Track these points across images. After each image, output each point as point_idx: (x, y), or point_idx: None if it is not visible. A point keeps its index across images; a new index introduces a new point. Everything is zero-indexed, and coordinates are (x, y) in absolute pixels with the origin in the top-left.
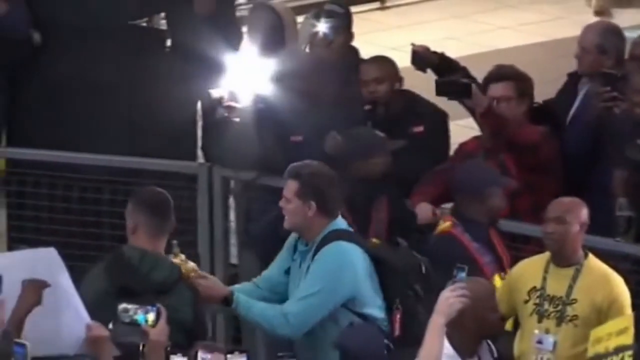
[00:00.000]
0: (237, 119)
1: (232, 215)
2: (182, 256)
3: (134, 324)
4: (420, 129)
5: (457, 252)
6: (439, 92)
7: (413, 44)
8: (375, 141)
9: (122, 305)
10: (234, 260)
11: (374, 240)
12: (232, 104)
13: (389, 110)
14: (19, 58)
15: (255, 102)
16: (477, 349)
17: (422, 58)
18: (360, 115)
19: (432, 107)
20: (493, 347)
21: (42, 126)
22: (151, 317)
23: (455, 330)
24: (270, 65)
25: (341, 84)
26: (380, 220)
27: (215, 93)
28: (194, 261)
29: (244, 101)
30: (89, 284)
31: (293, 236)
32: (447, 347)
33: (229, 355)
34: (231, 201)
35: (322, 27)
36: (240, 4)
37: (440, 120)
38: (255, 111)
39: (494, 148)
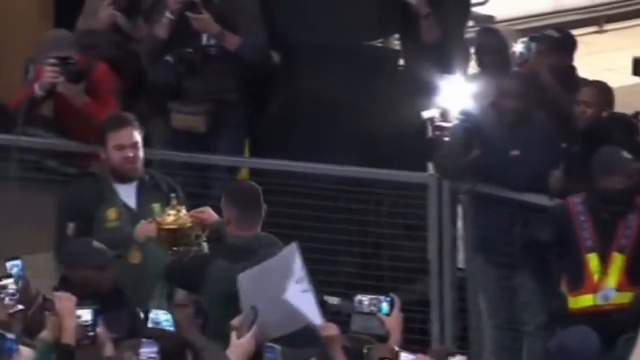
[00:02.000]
0: (447, 139)
1: (459, 223)
2: (182, 210)
3: (371, 314)
4: None
5: None
6: None
7: (635, 57)
8: (619, 160)
9: (358, 297)
10: (461, 264)
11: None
12: (443, 124)
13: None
14: (259, 77)
15: (462, 121)
16: None
17: None
18: (573, 131)
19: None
20: None
21: (283, 138)
22: (386, 306)
23: None
24: (488, 86)
25: (554, 101)
26: (627, 236)
27: (427, 114)
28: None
29: (454, 120)
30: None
31: None
32: None
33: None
34: (459, 209)
35: (519, 47)
36: (468, 26)
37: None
38: (463, 129)
39: None
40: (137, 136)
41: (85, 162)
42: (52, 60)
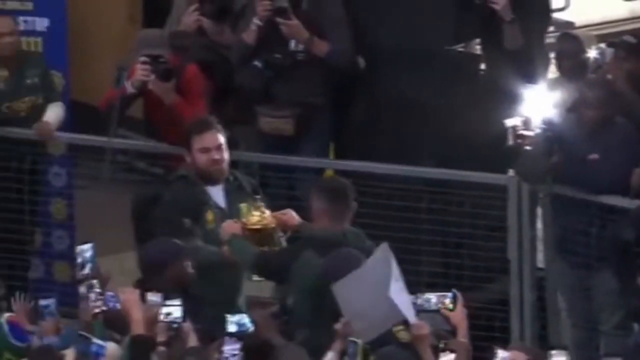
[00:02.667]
0: (528, 147)
1: (539, 224)
2: (266, 211)
3: (437, 311)
4: None
5: None
6: None
7: None
8: None
9: (424, 296)
10: (540, 264)
11: None
12: (525, 132)
13: None
14: (345, 82)
15: (544, 130)
16: None
17: None
18: None
19: None
20: None
21: (367, 141)
22: (450, 302)
23: None
24: (566, 93)
25: (630, 106)
26: None
27: (509, 122)
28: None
29: (536, 129)
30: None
31: None
32: None
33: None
34: (539, 210)
35: (593, 53)
36: (548, 32)
37: None
38: (545, 138)
39: None
40: (221, 138)
41: (172, 163)
42: (143, 59)
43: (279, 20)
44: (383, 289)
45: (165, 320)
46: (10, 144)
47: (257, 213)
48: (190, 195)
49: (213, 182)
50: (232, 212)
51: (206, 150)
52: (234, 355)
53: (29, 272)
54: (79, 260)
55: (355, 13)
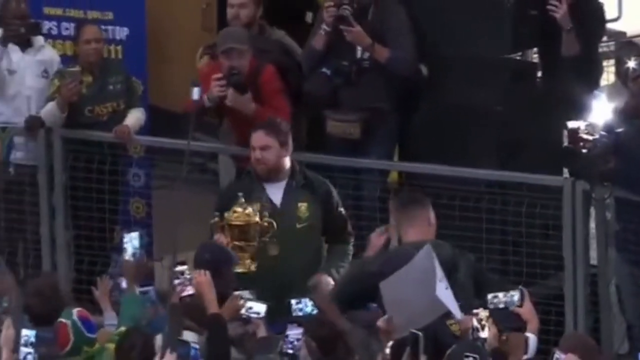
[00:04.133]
0: (585, 150)
1: (592, 223)
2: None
3: (506, 307)
4: None
5: None
6: None
7: None
8: None
9: (492, 294)
10: (593, 261)
11: None
12: (586, 136)
13: None
14: (409, 88)
15: (604, 136)
16: None
17: None
18: None
19: None
20: None
21: (430, 144)
22: (517, 298)
23: None
24: (625, 99)
25: None
26: None
27: (572, 124)
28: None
29: (597, 134)
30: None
31: None
32: None
33: None
34: (592, 210)
35: (632, 63)
36: (603, 41)
37: None
38: (605, 143)
39: None
40: (268, 140)
41: (243, 164)
42: (217, 75)
43: (342, 27)
44: (429, 287)
45: (247, 313)
46: (92, 146)
47: (239, 209)
48: (238, 190)
49: (266, 179)
50: (288, 209)
51: (253, 148)
52: (298, 340)
53: (109, 268)
54: (125, 246)
55: (418, 23)
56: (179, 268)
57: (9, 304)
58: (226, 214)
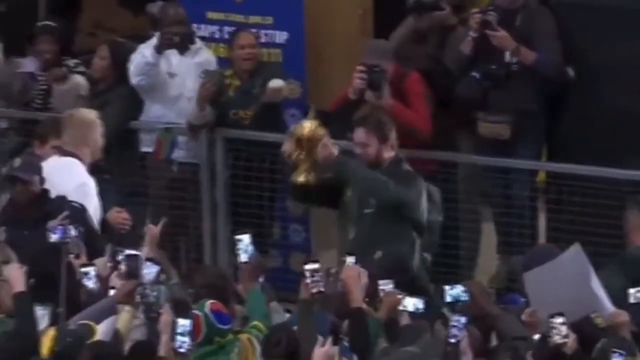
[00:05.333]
0: None
1: None
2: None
3: None
4: None
5: None
6: None
7: None
8: None
9: (634, 289)
10: None
11: None
12: None
13: None
14: (556, 90)
15: None
16: None
17: None
18: None
19: None
20: None
21: (578, 145)
22: None
23: None
24: None
25: None
26: None
27: None
28: None
29: None
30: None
31: None
32: None
33: None
34: None
35: None
36: None
37: None
38: None
39: None
40: (367, 137)
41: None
42: (360, 67)
43: (487, 32)
44: (584, 283)
45: (405, 309)
46: (252, 145)
47: (307, 124)
48: None
49: None
50: None
51: (355, 144)
52: (458, 327)
53: (268, 262)
54: (238, 248)
55: (568, 29)
56: (311, 266)
57: (159, 294)
58: (297, 126)
